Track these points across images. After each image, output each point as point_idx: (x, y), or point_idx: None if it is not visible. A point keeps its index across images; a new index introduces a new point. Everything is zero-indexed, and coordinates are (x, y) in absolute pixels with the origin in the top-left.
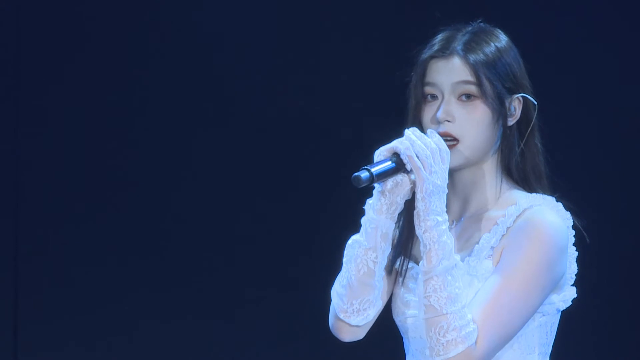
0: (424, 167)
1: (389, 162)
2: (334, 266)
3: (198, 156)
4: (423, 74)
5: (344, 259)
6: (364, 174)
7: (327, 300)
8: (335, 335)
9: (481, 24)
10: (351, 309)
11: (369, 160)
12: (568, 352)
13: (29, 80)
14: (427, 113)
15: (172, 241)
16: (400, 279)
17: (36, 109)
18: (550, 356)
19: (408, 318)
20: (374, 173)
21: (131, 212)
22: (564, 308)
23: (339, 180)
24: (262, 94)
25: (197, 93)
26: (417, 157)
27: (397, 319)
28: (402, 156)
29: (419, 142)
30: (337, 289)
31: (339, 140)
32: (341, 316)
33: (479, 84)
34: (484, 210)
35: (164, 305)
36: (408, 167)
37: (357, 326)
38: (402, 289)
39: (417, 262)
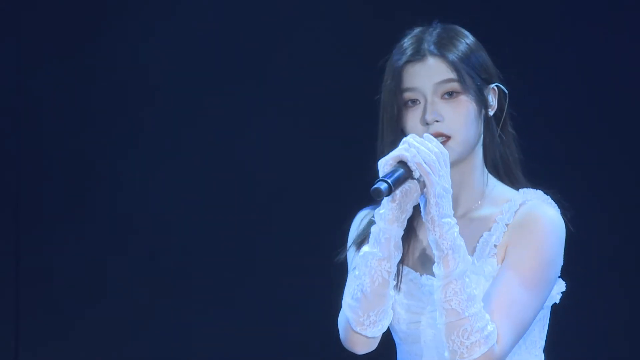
0: (433, 172)
1: (401, 171)
2: (334, 267)
3: (200, 155)
4: (399, 81)
5: (356, 272)
6: (383, 186)
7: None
8: (349, 348)
9: (439, 23)
10: (368, 321)
11: (360, 166)
12: (557, 344)
13: (29, 80)
14: (411, 118)
15: (172, 240)
16: (394, 285)
17: (37, 109)
18: (544, 350)
19: (412, 324)
20: (391, 183)
21: (131, 211)
22: (558, 301)
23: (342, 179)
24: (264, 95)
25: (199, 94)
26: (425, 162)
27: (398, 325)
28: (410, 164)
29: (423, 148)
30: (350, 303)
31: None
32: (358, 329)
33: (460, 79)
34: (474, 209)
35: (164, 305)
36: (416, 174)
37: (372, 337)
38: (399, 295)
39: (411, 267)
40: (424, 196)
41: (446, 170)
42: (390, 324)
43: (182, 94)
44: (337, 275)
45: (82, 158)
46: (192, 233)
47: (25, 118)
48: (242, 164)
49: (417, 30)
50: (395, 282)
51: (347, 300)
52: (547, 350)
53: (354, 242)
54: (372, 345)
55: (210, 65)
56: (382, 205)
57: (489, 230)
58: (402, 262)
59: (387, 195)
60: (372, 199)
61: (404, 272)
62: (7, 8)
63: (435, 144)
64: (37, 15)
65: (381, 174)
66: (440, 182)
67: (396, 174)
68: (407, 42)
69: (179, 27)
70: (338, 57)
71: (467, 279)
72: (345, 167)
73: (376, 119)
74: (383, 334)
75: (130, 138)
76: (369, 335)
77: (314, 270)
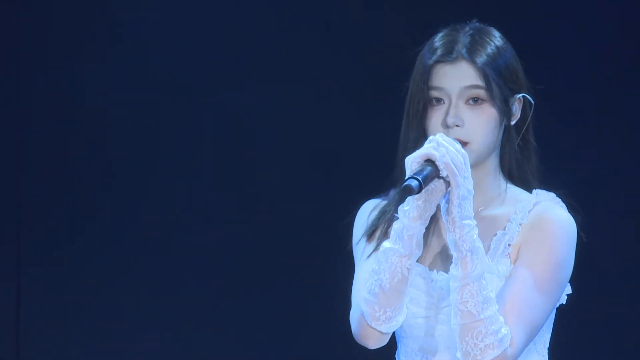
0: (459, 173)
1: (429, 169)
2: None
3: (201, 157)
4: (428, 79)
5: (375, 267)
6: (414, 183)
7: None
8: (361, 342)
9: (476, 23)
10: (384, 316)
11: (367, 166)
12: (562, 346)
13: (31, 82)
14: (434, 117)
15: (174, 238)
16: None
17: (38, 111)
18: (548, 350)
19: (424, 319)
20: (422, 181)
21: (132, 210)
22: (565, 302)
23: (346, 181)
24: (264, 99)
25: (201, 94)
26: (453, 163)
27: (405, 320)
28: (438, 163)
29: (451, 148)
30: (367, 297)
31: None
32: (373, 324)
33: (488, 87)
34: (488, 209)
35: (166, 308)
36: (443, 173)
37: (386, 333)
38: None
39: (421, 262)
40: (446, 196)
41: (469, 172)
42: None
43: (183, 93)
44: (334, 274)
45: (82, 158)
46: (196, 237)
47: (27, 120)
48: (241, 161)
49: (452, 28)
50: None
51: (363, 294)
52: (550, 350)
53: (364, 234)
54: (384, 341)
55: (208, 64)
56: (406, 202)
57: (503, 229)
58: None
59: (417, 193)
60: (380, 191)
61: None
62: (7, 9)
63: (459, 146)
64: (37, 16)
65: (408, 171)
66: (465, 183)
67: (425, 172)
68: (441, 40)
69: (180, 26)
70: (340, 54)
71: (484, 281)
72: (344, 164)
73: (372, 117)
74: None
75: (130, 138)
76: (384, 330)
77: (313, 269)
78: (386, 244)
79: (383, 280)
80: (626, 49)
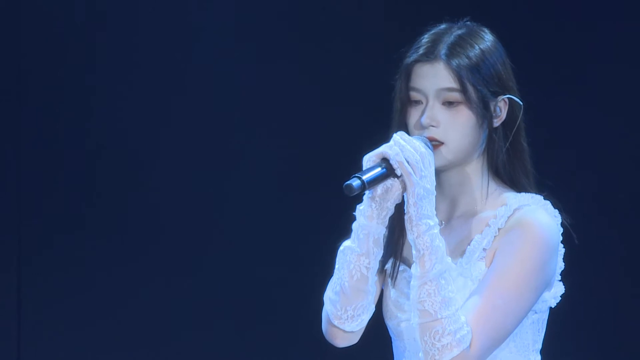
0: (414, 172)
1: (379, 168)
2: (326, 270)
3: (201, 156)
4: (408, 78)
5: (336, 266)
6: (355, 182)
7: (318, 304)
8: (329, 341)
9: (467, 22)
10: (345, 315)
11: (359, 163)
12: (554, 346)
13: (30, 81)
14: (413, 117)
15: (175, 243)
16: (390, 281)
17: (39, 112)
18: (541, 352)
19: (402, 322)
20: (365, 180)
21: (133, 213)
22: (555, 305)
23: (334, 183)
24: (262, 99)
25: (200, 94)
26: (408, 162)
27: (390, 322)
28: (392, 162)
29: (408, 146)
30: (330, 296)
31: (328, 143)
32: (335, 323)
33: (462, 90)
34: (473, 211)
35: (167, 307)
36: (398, 172)
37: (351, 332)
38: (392, 291)
39: (407, 264)
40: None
41: (430, 171)
42: (384, 319)
43: (183, 93)
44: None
45: (82, 156)
46: (196, 238)
47: (28, 121)
48: (240, 161)
49: (440, 27)
50: (391, 279)
51: (328, 293)
52: (546, 352)
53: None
54: (352, 340)
55: (207, 64)
56: (363, 201)
57: (481, 233)
58: (398, 258)
59: (361, 192)
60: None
61: (400, 269)
62: (7, 8)
63: (420, 144)
64: (37, 16)
65: (364, 169)
66: (421, 182)
67: (374, 171)
68: (425, 39)
69: (181, 25)
70: (341, 53)
71: (443, 281)
72: (345, 164)
73: (374, 117)
74: (382, 327)
75: (130, 136)
76: (347, 329)
77: (315, 270)
78: (346, 242)
79: (343, 279)
80: (603, 46)
